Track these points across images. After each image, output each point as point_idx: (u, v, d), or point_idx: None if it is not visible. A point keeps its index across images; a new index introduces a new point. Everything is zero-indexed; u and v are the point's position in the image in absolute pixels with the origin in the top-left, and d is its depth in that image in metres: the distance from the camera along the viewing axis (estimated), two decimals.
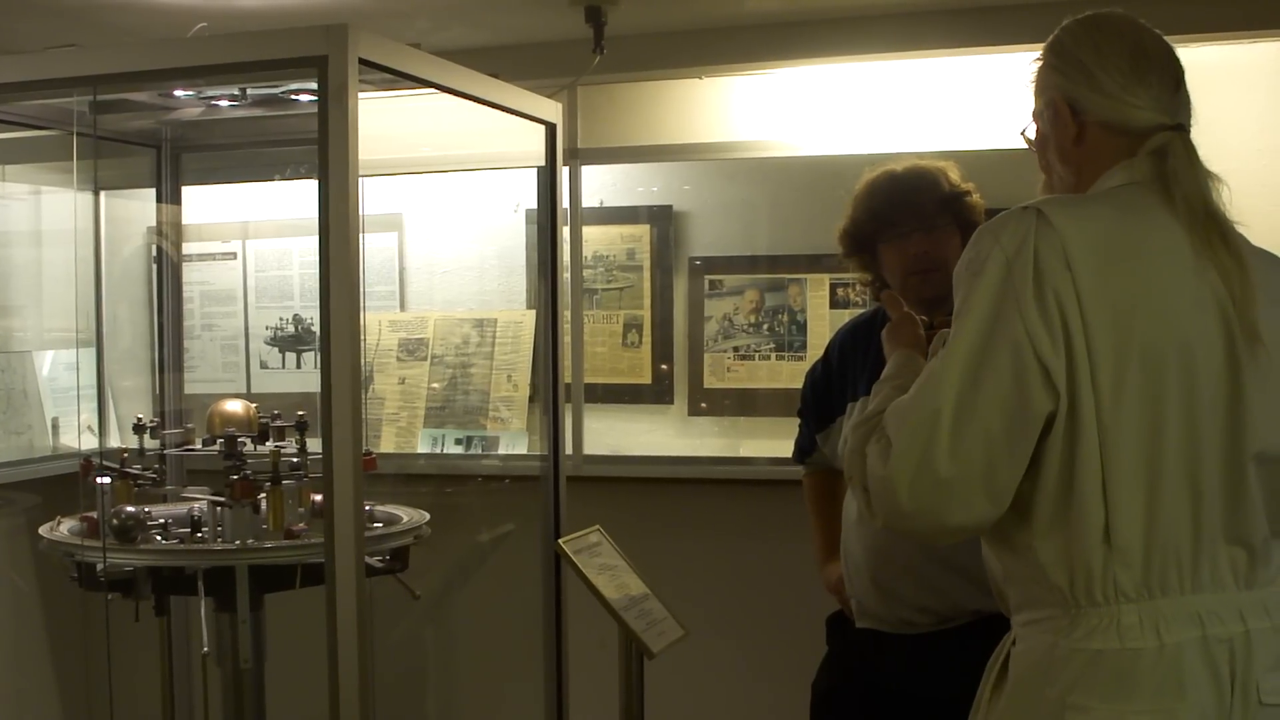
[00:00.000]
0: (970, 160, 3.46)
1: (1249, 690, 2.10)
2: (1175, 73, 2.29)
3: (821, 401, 3.54)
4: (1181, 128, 2.26)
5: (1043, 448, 2.08)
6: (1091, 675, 2.07)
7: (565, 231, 4.34)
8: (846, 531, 3.35)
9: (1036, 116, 2.37)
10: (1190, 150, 2.23)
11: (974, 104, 4.49)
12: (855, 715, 3.43)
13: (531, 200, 4.44)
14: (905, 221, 3.28)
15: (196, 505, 3.80)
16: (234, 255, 5.28)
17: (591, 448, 4.93)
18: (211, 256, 5.29)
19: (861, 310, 4.03)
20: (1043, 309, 2.04)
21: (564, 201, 4.19)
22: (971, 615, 3.16)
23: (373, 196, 3.28)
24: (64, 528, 3.68)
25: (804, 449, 3.68)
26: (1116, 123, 2.24)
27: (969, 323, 2.08)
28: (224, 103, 3.90)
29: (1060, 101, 2.27)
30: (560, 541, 3.63)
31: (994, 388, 2.05)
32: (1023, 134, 2.43)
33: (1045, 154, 2.36)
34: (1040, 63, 2.35)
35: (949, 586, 3.17)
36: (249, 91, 3.76)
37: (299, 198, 4.66)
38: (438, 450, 5.06)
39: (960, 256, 2.20)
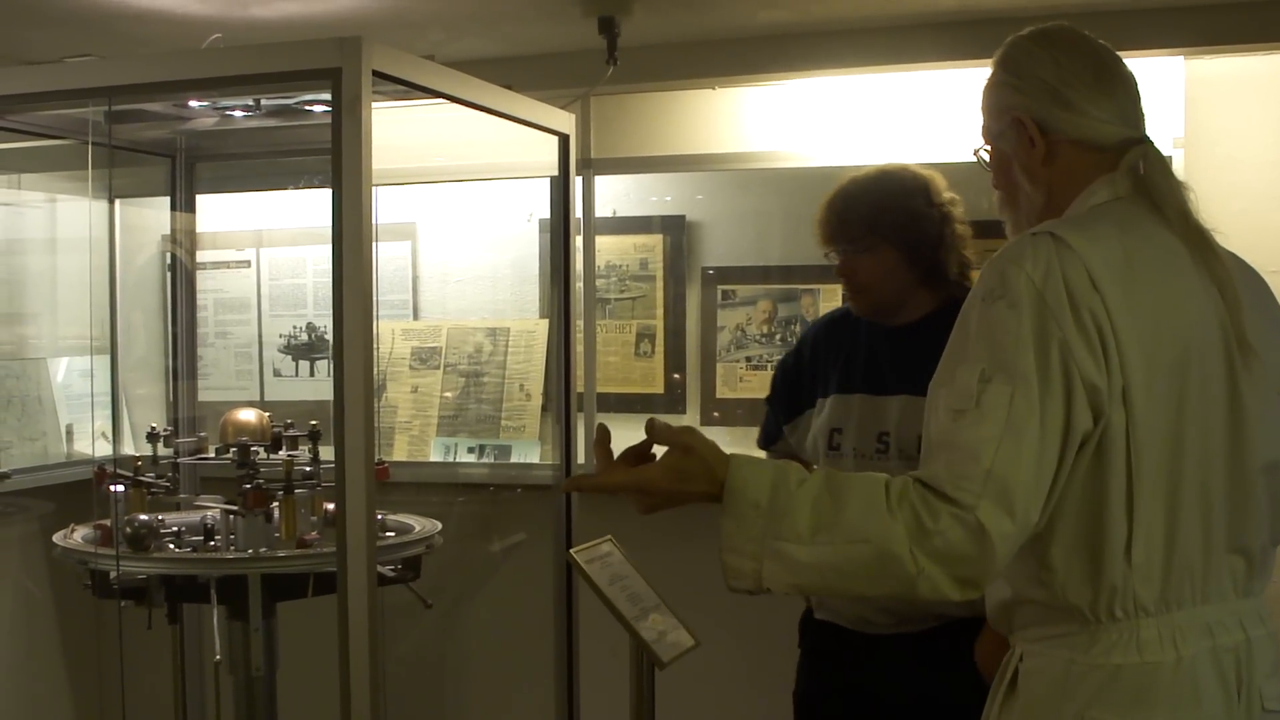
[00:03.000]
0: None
1: (1253, 697, 2.13)
2: (1133, 82, 2.28)
3: (792, 392, 3.54)
4: (1148, 139, 2.25)
5: (1073, 477, 2.04)
6: (1111, 690, 2.08)
7: (578, 241, 4.35)
8: None
9: (993, 136, 2.33)
10: (1164, 162, 2.24)
11: None
12: (830, 716, 3.47)
13: (545, 210, 4.44)
14: (833, 241, 3.36)
15: (209, 514, 3.81)
16: (248, 263, 5.29)
17: None
18: (225, 264, 5.30)
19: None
20: (1083, 332, 2.00)
21: (577, 211, 4.19)
22: (935, 620, 3.20)
23: (386, 205, 3.28)
24: (78, 535, 3.69)
25: (770, 435, 3.68)
26: (1089, 140, 2.23)
27: (1022, 361, 2.00)
28: (238, 113, 3.91)
29: (1027, 121, 2.24)
30: (571, 551, 3.62)
31: (1053, 423, 1.99)
32: (976, 154, 2.40)
33: (1008, 174, 2.31)
34: (994, 81, 2.31)
35: None
36: (263, 102, 3.78)
37: (313, 206, 4.68)
38: (450, 459, 5.07)
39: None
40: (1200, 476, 2.10)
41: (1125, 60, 2.31)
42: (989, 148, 2.36)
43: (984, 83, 2.35)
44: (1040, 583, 2.12)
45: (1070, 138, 2.23)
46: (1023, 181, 2.29)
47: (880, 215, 3.28)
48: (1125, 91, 2.26)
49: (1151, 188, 2.19)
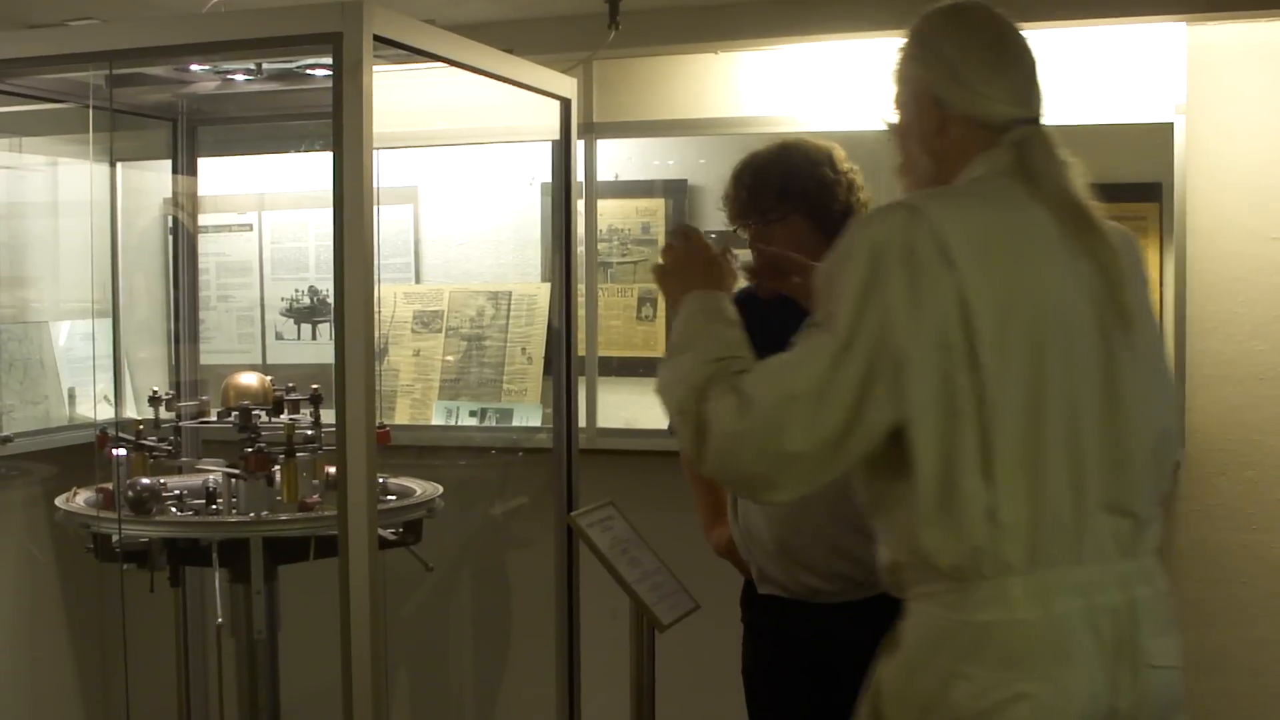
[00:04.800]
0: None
1: (1135, 656, 2.16)
2: (1031, 63, 2.35)
3: None
4: (1038, 120, 2.32)
5: (919, 442, 2.11)
6: (979, 646, 2.13)
7: (580, 205, 4.35)
8: (744, 501, 3.35)
9: (899, 105, 2.40)
10: (1049, 142, 2.30)
11: None
12: (777, 693, 3.48)
13: (547, 174, 4.44)
14: (743, 215, 3.36)
15: (211, 477, 3.82)
16: (250, 227, 5.29)
17: (605, 421, 4.94)
18: (227, 228, 5.30)
19: None
20: (914, 301, 2.09)
21: (579, 175, 4.19)
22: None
23: (388, 169, 3.28)
24: (80, 499, 3.70)
25: None
26: (978, 117, 2.29)
27: (842, 311, 2.12)
28: (240, 77, 3.91)
29: (924, 94, 2.32)
30: (572, 515, 3.64)
31: (854, 374, 2.09)
32: (884, 119, 2.47)
33: (907, 142, 2.39)
34: (903, 52, 2.39)
35: (860, 550, 3.21)
36: (264, 66, 3.78)
37: (315, 169, 4.68)
38: (452, 422, 5.08)
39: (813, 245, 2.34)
40: (1067, 444, 2.15)
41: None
42: (898, 116, 2.43)
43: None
44: (908, 546, 2.20)
45: (962, 114, 2.30)
46: (916, 151, 2.37)
47: (790, 184, 3.31)
48: (1021, 72, 2.33)
49: (1029, 165, 2.25)
